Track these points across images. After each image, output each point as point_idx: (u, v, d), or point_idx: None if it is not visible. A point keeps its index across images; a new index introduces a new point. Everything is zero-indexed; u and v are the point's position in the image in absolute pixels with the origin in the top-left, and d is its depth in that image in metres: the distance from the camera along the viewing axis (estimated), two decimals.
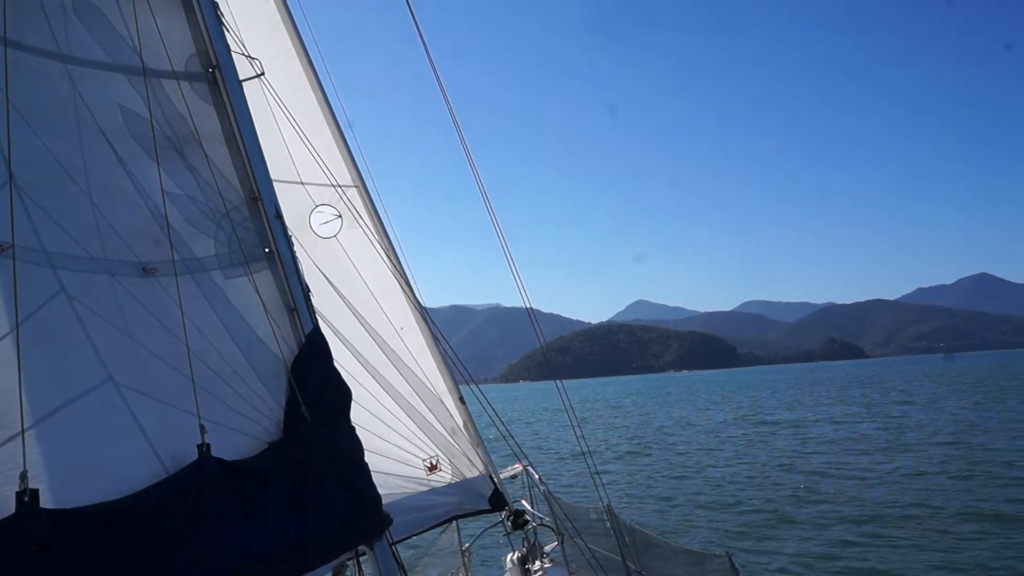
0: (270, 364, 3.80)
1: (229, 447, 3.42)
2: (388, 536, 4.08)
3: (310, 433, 3.73)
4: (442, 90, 5.92)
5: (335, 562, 4.48)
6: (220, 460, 3.29)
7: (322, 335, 4.02)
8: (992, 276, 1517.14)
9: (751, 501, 21.55)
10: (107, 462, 3.05)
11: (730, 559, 5.51)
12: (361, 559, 4.72)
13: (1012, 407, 47.61)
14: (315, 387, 3.88)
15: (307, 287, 4.03)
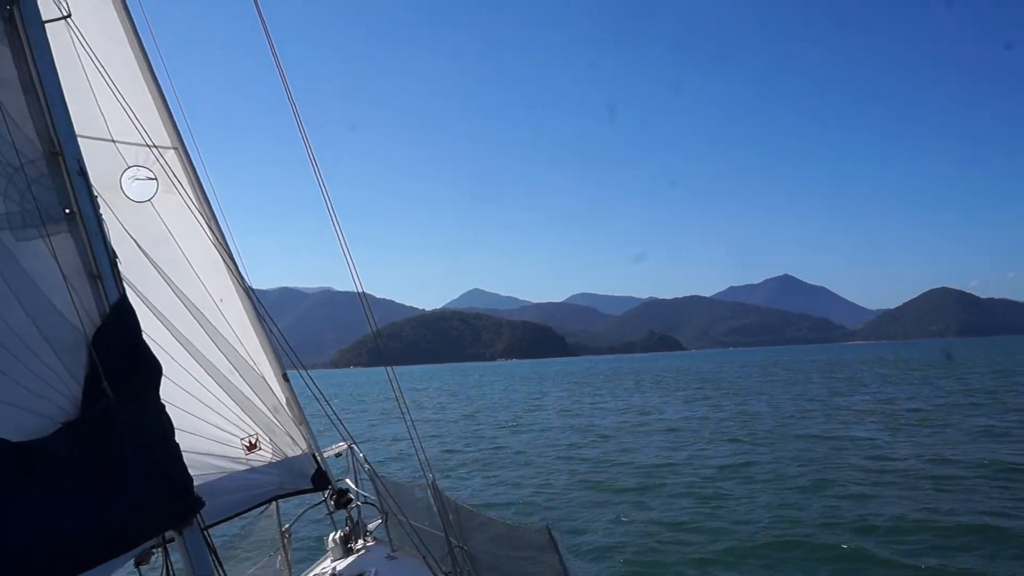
0: (68, 336, 3.49)
1: (16, 428, 3.14)
2: (199, 519, 3.89)
3: (112, 411, 3.48)
4: (273, 52, 5.65)
5: (138, 549, 4.23)
6: (3, 441, 3.02)
7: (129, 305, 3.72)
8: (792, 277, 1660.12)
9: (559, 477, 23.32)
10: None
11: (549, 532, 5.71)
12: (169, 544, 4.49)
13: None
14: (120, 361, 3.60)
15: (114, 252, 3.69)
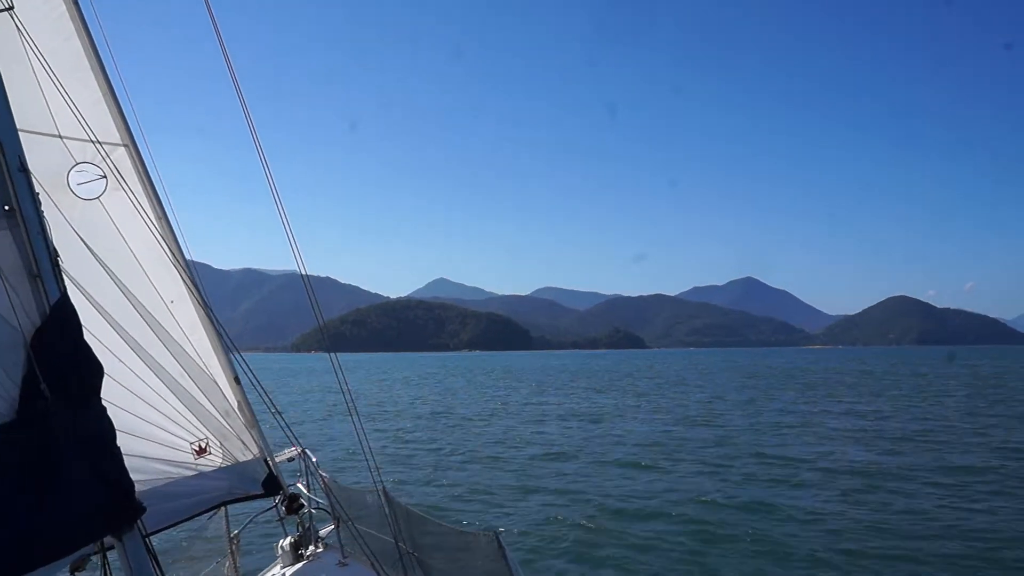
0: (4, 336, 3.38)
1: None
2: (140, 526, 3.79)
3: (49, 413, 3.37)
4: (220, 41, 5.45)
5: (74, 555, 4.11)
6: None
7: (71, 305, 3.60)
8: (756, 280, 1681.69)
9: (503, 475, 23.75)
10: None
11: (497, 538, 5.72)
12: (109, 551, 4.37)
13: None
14: (59, 363, 3.49)
15: (55, 251, 3.58)
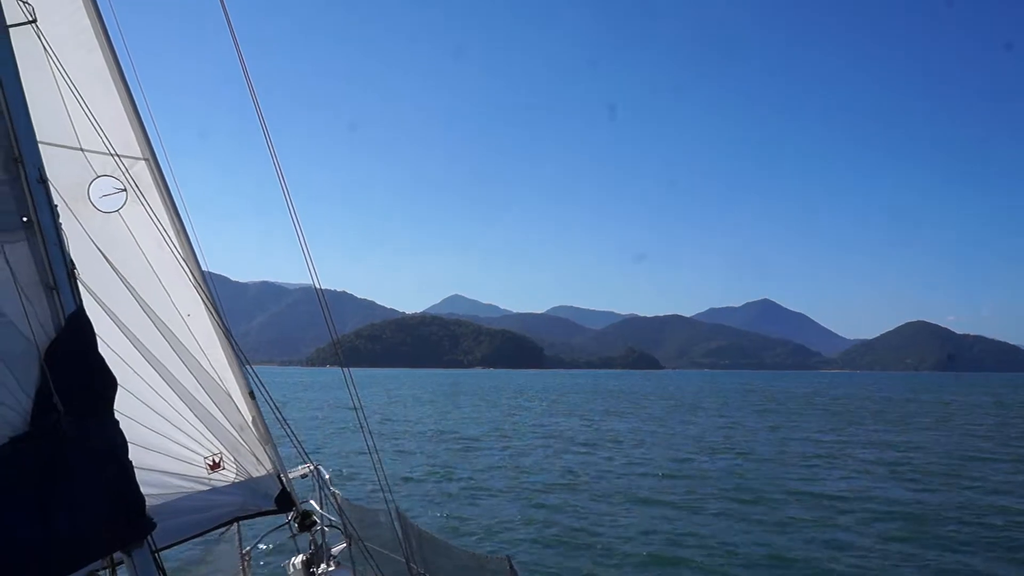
0: (19, 347, 3.37)
1: None
2: (149, 542, 3.74)
3: (61, 426, 3.35)
4: (239, 54, 5.47)
5: (84, 570, 4.07)
6: None
7: (86, 317, 3.58)
8: (773, 303, 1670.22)
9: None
10: None
11: (510, 563, 5.63)
12: (118, 566, 4.34)
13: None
14: (73, 375, 3.48)
15: (72, 263, 3.56)
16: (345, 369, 6.85)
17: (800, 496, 24.60)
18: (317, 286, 6.17)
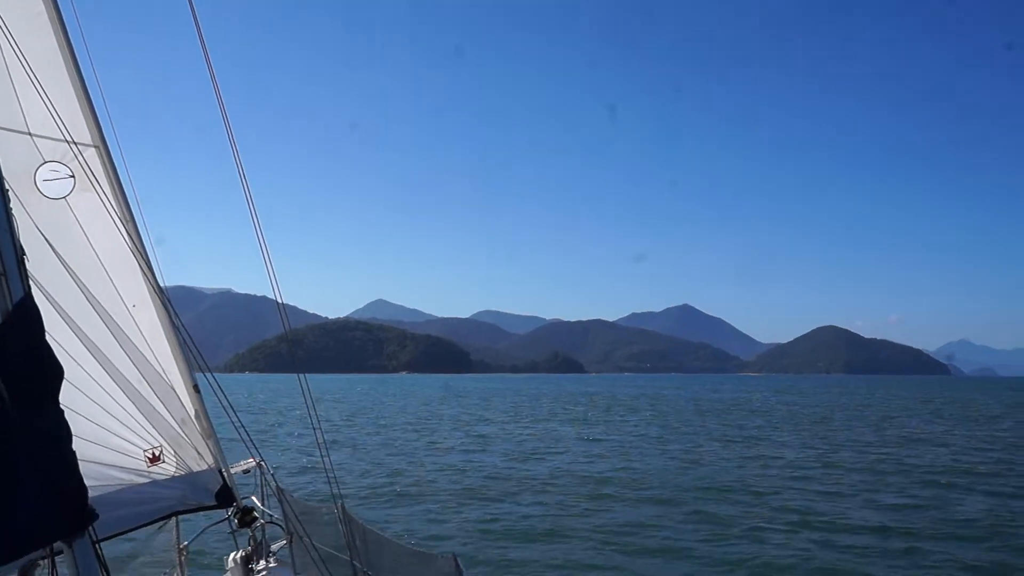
0: None
1: None
2: (91, 533, 3.70)
3: (6, 415, 3.29)
4: (204, 48, 5.44)
5: (23, 560, 3.98)
6: None
7: (35, 305, 3.51)
8: (692, 308, 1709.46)
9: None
10: None
11: (455, 560, 5.72)
12: (57, 557, 4.26)
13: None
14: (19, 364, 3.39)
15: (21, 249, 3.48)
16: (300, 376, 6.80)
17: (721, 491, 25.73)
18: (279, 300, 6.22)
